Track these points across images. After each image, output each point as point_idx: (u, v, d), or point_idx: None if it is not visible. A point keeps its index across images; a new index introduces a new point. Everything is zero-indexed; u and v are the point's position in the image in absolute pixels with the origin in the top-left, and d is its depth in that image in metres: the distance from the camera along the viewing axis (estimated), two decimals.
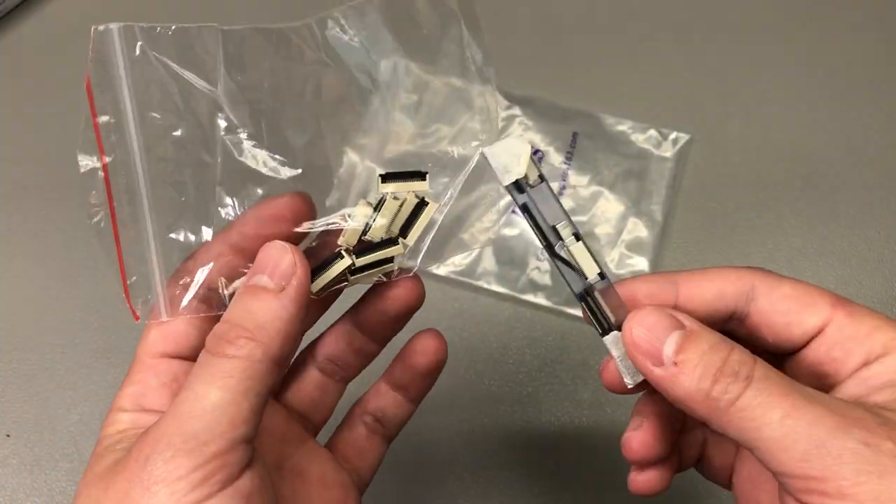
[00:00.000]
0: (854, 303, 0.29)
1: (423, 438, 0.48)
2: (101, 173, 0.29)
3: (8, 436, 0.48)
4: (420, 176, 0.31)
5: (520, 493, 0.47)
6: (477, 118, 0.31)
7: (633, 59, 0.57)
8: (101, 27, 0.28)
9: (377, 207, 0.30)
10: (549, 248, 0.30)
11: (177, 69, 0.29)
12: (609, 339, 0.30)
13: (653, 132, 0.54)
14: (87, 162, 0.29)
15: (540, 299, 0.51)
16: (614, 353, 0.30)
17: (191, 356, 0.30)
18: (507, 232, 0.52)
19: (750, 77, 0.57)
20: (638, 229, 0.52)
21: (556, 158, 0.54)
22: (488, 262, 0.51)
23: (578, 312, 0.50)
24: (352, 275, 0.31)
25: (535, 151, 0.53)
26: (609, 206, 0.53)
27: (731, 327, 0.30)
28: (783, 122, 0.55)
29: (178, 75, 0.29)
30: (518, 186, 0.30)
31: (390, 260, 0.31)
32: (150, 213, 0.30)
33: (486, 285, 0.51)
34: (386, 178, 0.30)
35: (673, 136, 0.54)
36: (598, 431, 0.48)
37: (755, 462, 0.32)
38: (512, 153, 0.30)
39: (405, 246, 0.31)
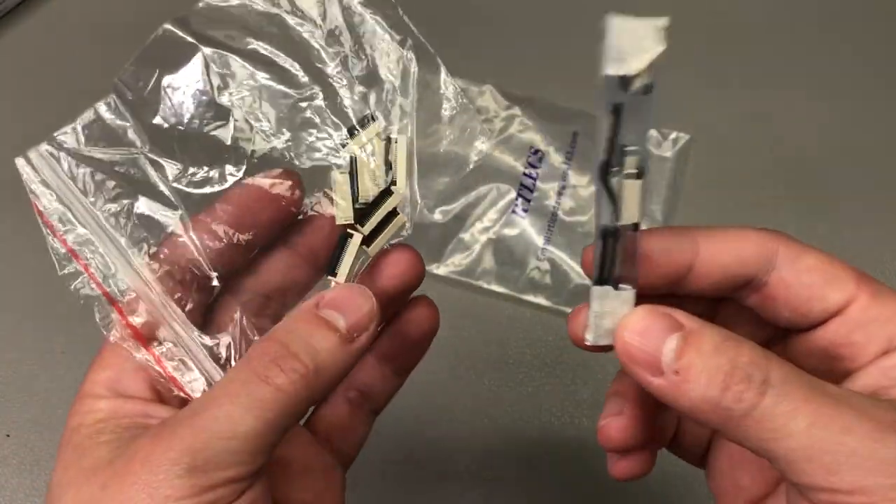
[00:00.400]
0: (879, 282, 0.27)
1: (423, 438, 0.48)
2: (96, 289, 0.29)
3: (8, 436, 0.48)
4: (370, 119, 0.30)
5: (520, 492, 0.47)
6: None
7: None
8: (21, 161, 0.30)
9: (352, 169, 0.29)
10: (605, 167, 0.25)
11: (103, 156, 0.29)
12: (597, 291, 0.26)
13: (653, 132, 0.54)
14: (79, 286, 0.30)
15: (540, 299, 0.50)
16: (594, 306, 0.26)
17: None
18: (507, 232, 0.52)
19: (750, 77, 0.57)
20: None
21: (556, 158, 0.53)
22: (488, 262, 0.51)
23: None
24: (368, 245, 0.30)
25: (536, 151, 0.53)
26: None
27: (740, 295, 0.28)
28: (783, 122, 0.55)
29: (109, 163, 0.29)
30: (622, 82, 0.23)
31: (395, 213, 0.30)
32: (165, 305, 0.29)
33: (486, 285, 0.51)
34: (350, 131, 0.30)
35: (673, 136, 0.54)
36: None
37: None
38: (640, 40, 0.22)
39: (399, 192, 0.30)
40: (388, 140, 0.29)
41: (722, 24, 0.59)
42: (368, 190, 0.29)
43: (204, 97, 0.29)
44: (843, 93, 0.56)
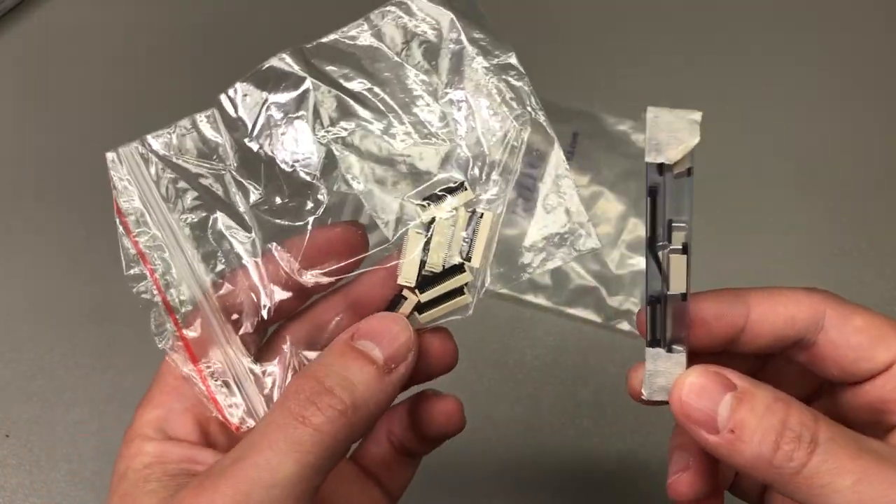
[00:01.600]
0: None
1: None
2: (157, 296, 0.29)
3: (7, 436, 0.48)
4: (461, 187, 0.28)
5: (519, 492, 0.47)
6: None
7: (633, 59, 0.57)
8: (111, 155, 0.29)
9: (429, 233, 0.28)
10: (652, 241, 0.27)
11: (191, 166, 0.30)
12: (650, 352, 0.28)
13: None
14: (140, 290, 0.29)
15: (540, 299, 0.50)
16: (648, 365, 0.28)
17: None
18: (508, 232, 0.52)
19: (750, 77, 0.57)
20: (638, 229, 0.52)
21: None
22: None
23: (578, 312, 0.50)
24: (420, 313, 0.28)
25: (535, 151, 0.53)
26: (609, 206, 0.52)
27: (790, 352, 0.29)
28: (783, 122, 0.55)
29: (194, 174, 0.30)
30: (660, 168, 0.26)
31: (461, 291, 0.28)
32: (221, 325, 0.29)
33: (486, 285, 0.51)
34: (426, 200, 0.28)
35: None
36: (598, 432, 0.48)
37: None
38: (676, 132, 0.25)
39: (472, 269, 0.28)
40: (474, 213, 0.28)
41: (722, 25, 0.59)
42: (439, 261, 0.28)
43: (300, 131, 0.29)
44: (843, 93, 0.56)
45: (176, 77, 0.57)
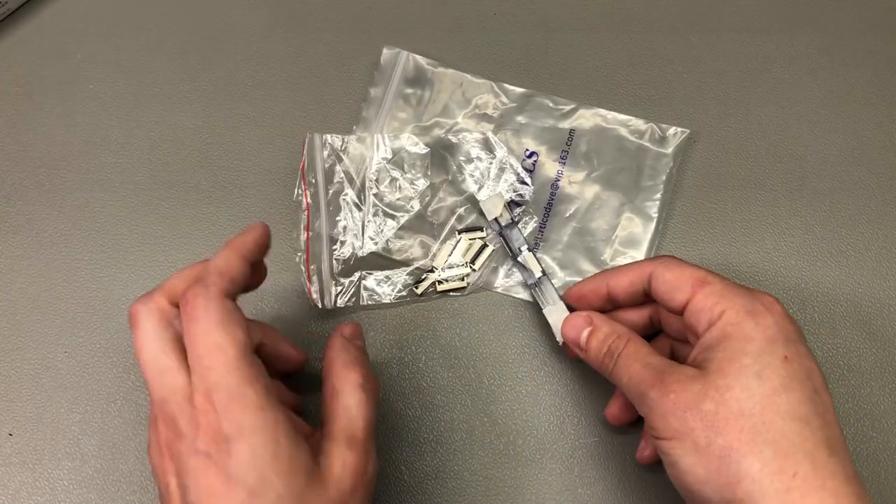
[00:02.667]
0: (714, 281, 0.40)
1: (422, 437, 0.48)
2: (304, 214, 0.50)
3: (10, 434, 0.48)
4: (481, 230, 0.51)
5: (519, 491, 0.47)
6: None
7: (631, 56, 0.57)
8: (309, 135, 0.51)
9: (456, 244, 0.51)
10: (514, 256, 0.49)
11: (346, 161, 0.52)
12: (546, 311, 0.48)
13: (651, 128, 0.54)
14: (301, 213, 0.51)
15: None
16: (549, 320, 0.47)
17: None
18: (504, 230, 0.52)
19: (749, 76, 0.57)
20: (633, 225, 0.52)
21: (552, 154, 0.54)
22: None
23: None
24: (438, 284, 0.50)
25: (531, 154, 0.54)
26: (605, 202, 0.53)
27: (651, 299, 0.44)
28: (782, 121, 0.56)
29: (345, 163, 0.52)
30: (497, 221, 0.50)
31: (462, 278, 0.50)
32: (327, 239, 0.51)
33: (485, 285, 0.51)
34: (461, 231, 0.51)
35: (671, 131, 0.54)
36: (598, 429, 0.48)
37: None
38: (495, 203, 0.50)
39: (473, 270, 0.51)
40: (484, 245, 0.51)
41: (722, 23, 0.59)
42: (460, 260, 0.51)
43: (419, 171, 0.53)
44: (842, 93, 0.56)
45: (180, 77, 0.57)
